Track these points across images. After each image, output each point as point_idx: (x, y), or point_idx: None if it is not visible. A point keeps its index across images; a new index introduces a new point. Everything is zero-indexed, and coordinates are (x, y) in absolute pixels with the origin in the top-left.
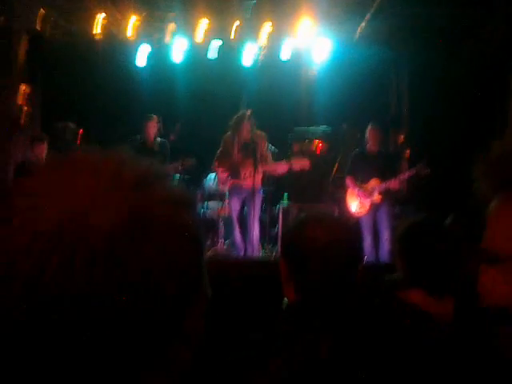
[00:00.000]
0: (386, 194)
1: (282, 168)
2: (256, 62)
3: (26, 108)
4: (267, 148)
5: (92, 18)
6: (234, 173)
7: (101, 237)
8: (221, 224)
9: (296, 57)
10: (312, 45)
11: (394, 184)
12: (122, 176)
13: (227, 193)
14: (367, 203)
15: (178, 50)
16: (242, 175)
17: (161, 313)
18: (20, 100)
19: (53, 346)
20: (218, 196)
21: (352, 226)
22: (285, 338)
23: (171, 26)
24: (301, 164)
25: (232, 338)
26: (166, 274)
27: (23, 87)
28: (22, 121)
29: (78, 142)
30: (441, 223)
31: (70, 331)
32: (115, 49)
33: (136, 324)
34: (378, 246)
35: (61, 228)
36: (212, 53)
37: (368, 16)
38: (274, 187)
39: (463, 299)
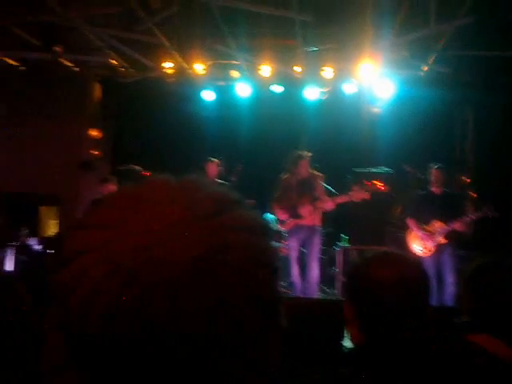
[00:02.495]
0: (451, 236)
1: (329, 205)
2: (321, 96)
3: (96, 152)
4: (324, 189)
5: (160, 68)
6: (293, 213)
7: (179, 269)
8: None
9: (359, 94)
10: (375, 84)
11: (458, 226)
12: (199, 204)
13: (285, 233)
14: (431, 245)
15: (242, 90)
16: (301, 214)
17: (239, 341)
18: (90, 145)
19: (130, 380)
20: (275, 236)
21: (419, 263)
22: (350, 380)
23: (235, 74)
24: (361, 195)
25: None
26: (244, 302)
27: (94, 132)
28: (93, 164)
29: None
30: (509, 265)
31: (148, 365)
32: (183, 90)
33: (214, 354)
34: (442, 290)
35: (138, 261)
36: (276, 88)
37: (433, 58)
38: (333, 228)
39: None
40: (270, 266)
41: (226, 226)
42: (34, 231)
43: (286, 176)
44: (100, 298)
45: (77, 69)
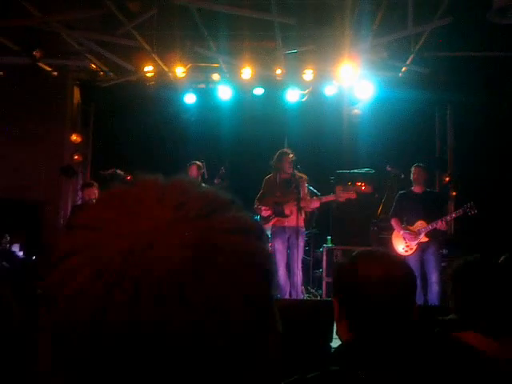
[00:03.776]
0: (433, 235)
1: (314, 204)
2: (301, 98)
3: (76, 157)
4: (308, 190)
5: (140, 71)
6: (277, 211)
7: (166, 271)
8: None
9: (339, 95)
10: (355, 85)
11: (440, 225)
12: (189, 204)
13: (270, 235)
14: (414, 245)
15: (223, 92)
16: (286, 213)
17: (229, 342)
18: (71, 149)
19: (116, 381)
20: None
21: (404, 261)
22: (338, 377)
23: (215, 76)
24: (346, 195)
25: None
26: (233, 303)
27: (74, 137)
28: (74, 169)
29: None
30: (495, 262)
31: (134, 367)
32: (164, 93)
33: (203, 354)
34: (427, 289)
35: (124, 263)
36: (258, 90)
37: (410, 59)
38: (318, 229)
39: None
40: (261, 268)
41: (216, 227)
42: (36, 236)
43: (269, 176)
44: (86, 299)
45: (55, 73)
